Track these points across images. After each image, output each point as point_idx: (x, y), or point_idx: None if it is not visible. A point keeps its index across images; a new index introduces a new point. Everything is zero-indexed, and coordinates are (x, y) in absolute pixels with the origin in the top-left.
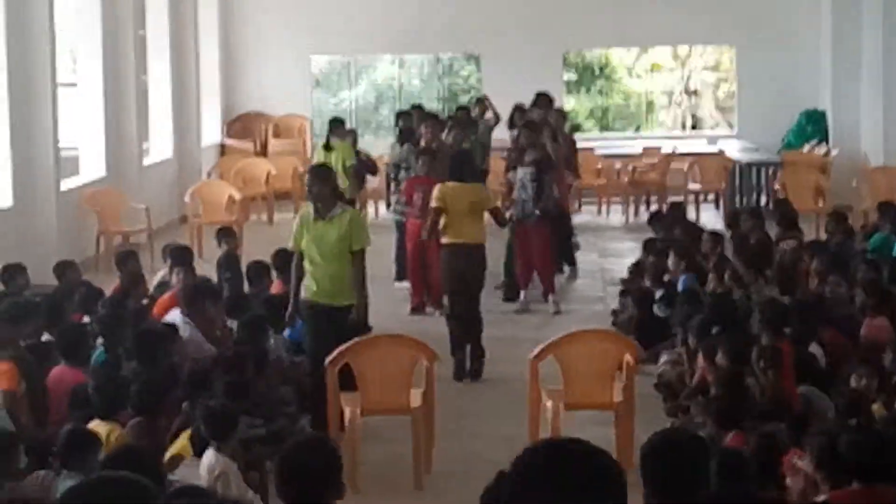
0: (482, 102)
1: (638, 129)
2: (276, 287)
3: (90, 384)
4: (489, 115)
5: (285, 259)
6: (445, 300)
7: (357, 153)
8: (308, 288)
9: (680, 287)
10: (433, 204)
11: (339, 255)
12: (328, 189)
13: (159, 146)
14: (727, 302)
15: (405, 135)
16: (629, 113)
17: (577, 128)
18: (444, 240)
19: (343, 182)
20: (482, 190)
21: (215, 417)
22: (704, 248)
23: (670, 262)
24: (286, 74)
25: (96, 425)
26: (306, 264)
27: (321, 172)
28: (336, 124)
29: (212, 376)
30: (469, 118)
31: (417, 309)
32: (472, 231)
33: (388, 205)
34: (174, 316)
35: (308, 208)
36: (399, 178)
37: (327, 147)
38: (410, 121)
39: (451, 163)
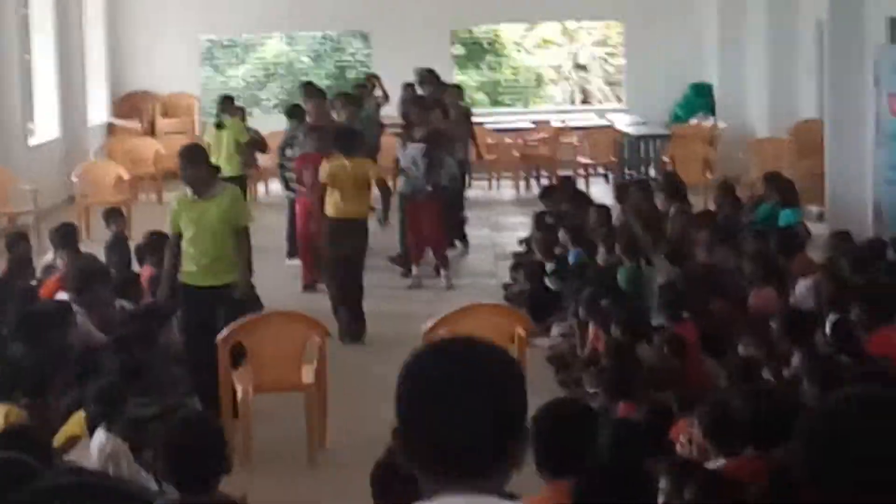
0: (371, 80)
1: (528, 104)
2: (145, 271)
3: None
4: (378, 92)
5: (157, 242)
6: (325, 266)
7: (247, 130)
8: (186, 271)
9: (570, 260)
10: (321, 179)
11: (221, 234)
12: (203, 170)
13: (45, 126)
14: (615, 274)
15: (293, 111)
16: (519, 88)
17: (470, 104)
18: (328, 213)
19: (232, 160)
20: (366, 164)
21: (104, 397)
22: (592, 221)
23: (560, 235)
24: (174, 53)
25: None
26: (185, 245)
27: (191, 154)
28: (227, 102)
29: (103, 357)
30: (357, 96)
31: (309, 286)
32: (356, 206)
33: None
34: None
35: (185, 189)
36: (287, 155)
37: (219, 125)
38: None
39: (337, 137)
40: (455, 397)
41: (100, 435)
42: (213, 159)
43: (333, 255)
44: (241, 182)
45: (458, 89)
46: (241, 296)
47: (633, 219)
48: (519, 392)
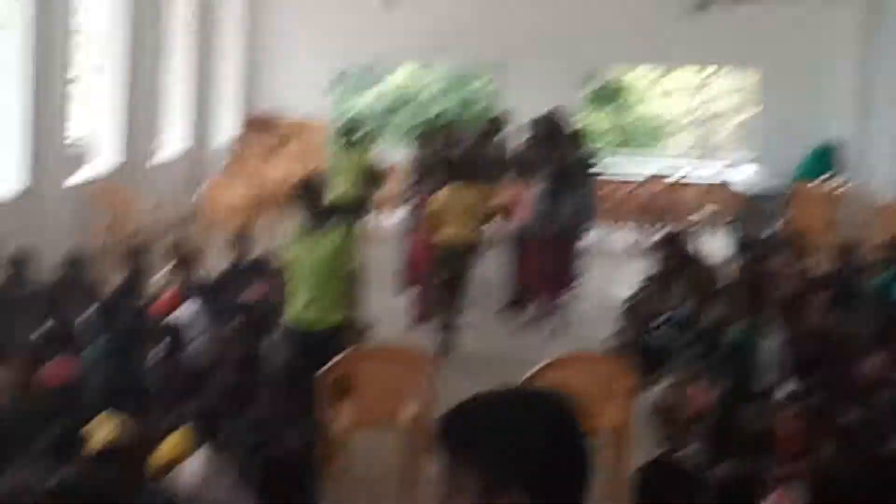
0: (502, 117)
1: (652, 151)
2: (254, 291)
3: (101, 377)
4: (507, 129)
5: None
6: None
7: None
8: (291, 308)
9: (681, 315)
10: (431, 210)
11: (328, 272)
12: (315, 204)
13: (172, 143)
14: (725, 332)
15: (424, 142)
16: (645, 135)
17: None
18: (438, 241)
19: (355, 185)
20: (484, 192)
21: (210, 417)
22: (705, 277)
23: (673, 289)
24: (307, 78)
25: (100, 419)
26: (293, 280)
27: (310, 186)
28: (352, 126)
29: (212, 376)
30: (485, 130)
31: (420, 320)
32: (466, 231)
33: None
34: (185, 310)
35: (300, 221)
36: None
37: (344, 150)
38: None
39: (454, 166)
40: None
41: (202, 454)
42: (338, 183)
43: (442, 280)
44: (361, 205)
45: (580, 134)
46: (347, 339)
47: (750, 276)
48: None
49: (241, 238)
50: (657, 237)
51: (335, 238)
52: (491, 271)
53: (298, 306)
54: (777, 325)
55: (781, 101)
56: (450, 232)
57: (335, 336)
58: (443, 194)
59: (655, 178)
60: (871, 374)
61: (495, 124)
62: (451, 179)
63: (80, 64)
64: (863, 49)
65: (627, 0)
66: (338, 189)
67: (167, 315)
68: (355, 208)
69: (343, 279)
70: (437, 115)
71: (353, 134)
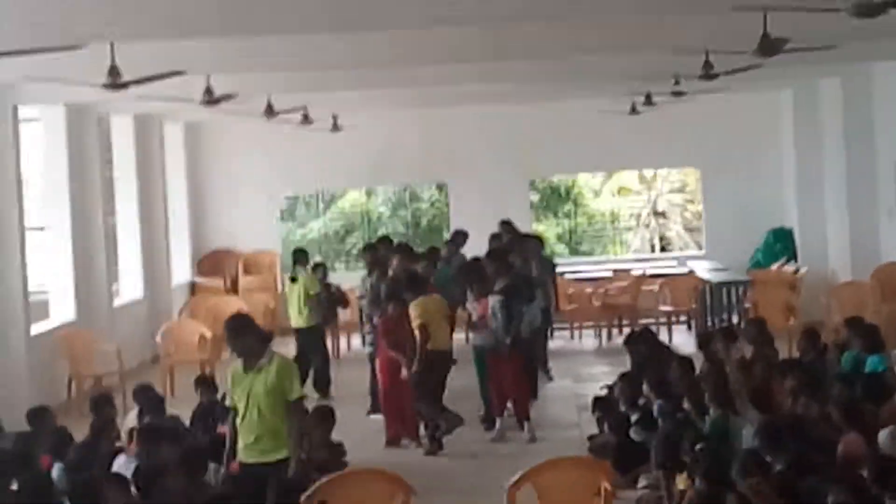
0: (459, 237)
1: (606, 251)
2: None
3: None
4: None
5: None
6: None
7: (328, 286)
8: (240, 447)
9: (655, 412)
10: (417, 320)
11: (268, 408)
12: (250, 340)
13: (129, 286)
14: (700, 423)
15: (372, 265)
16: (597, 235)
17: (551, 255)
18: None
19: (303, 313)
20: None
21: None
22: (675, 372)
23: (644, 387)
24: (254, 210)
25: None
26: (238, 420)
27: (235, 326)
28: (299, 255)
29: None
30: (436, 250)
31: (392, 441)
32: (445, 337)
33: (363, 338)
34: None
35: (237, 362)
36: (366, 310)
37: (293, 279)
38: (375, 252)
39: (408, 283)
40: None
41: None
42: (290, 312)
43: (430, 383)
44: (314, 333)
45: (538, 240)
46: (292, 475)
47: (718, 367)
48: None
49: (204, 380)
50: (629, 334)
51: (270, 372)
52: (459, 384)
53: (243, 443)
54: (750, 413)
55: (723, 196)
56: (439, 337)
57: (277, 474)
58: (421, 304)
59: (616, 276)
60: (849, 453)
61: (454, 245)
62: (414, 295)
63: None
64: (802, 133)
65: (565, 109)
66: (291, 317)
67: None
68: (307, 331)
69: (284, 413)
70: (386, 238)
71: (299, 262)
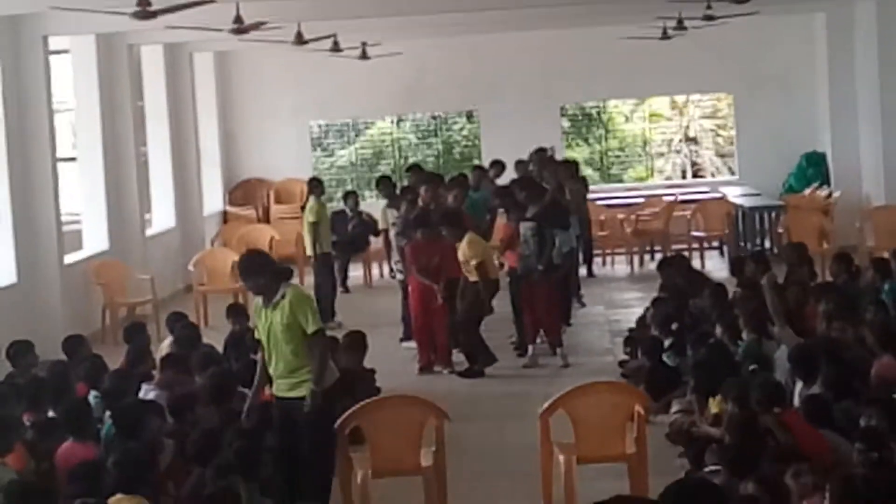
0: (495, 166)
1: (638, 177)
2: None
3: (110, 458)
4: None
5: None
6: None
7: (360, 213)
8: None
9: (690, 335)
10: (474, 259)
11: (288, 343)
12: (263, 278)
13: (162, 216)
14: (734, 347)
15: (403, 194)
16: (628, 161)
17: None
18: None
19: (306, 241)
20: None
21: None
22: (708, 298)
23: (681, 311)
24: (285, 139)
25: (118, 500)
26: (266, 356)
27: (245, 266)
28: (311, 183)
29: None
30: (464, 179)
31: (425, 368)
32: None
33: (390, 268)
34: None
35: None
36: (396, 241)
37: (303, 208)
38: (390, 184)
39: (443, 221)
40: None
41: None
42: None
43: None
44: (322, 261)
45: (573, 164)
46: (311, 409)
47: (751, 292)
48: None
49: (235, 307)
50: (661, 259)
51: (285, 307)
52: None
53: (274, 378)
54: (785, 335)
55: (756, 121)
56: (492, 270)
57: (302, 409)
58: (475, 242)
59: (648, 202)
60: (882, 376)
61: (484, 172)
62: (456, 232)
63: (62, 146)
64: (836, 57)
65: (595, 35)
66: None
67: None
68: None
69: (302, 346)
70: (417, 166)
71: (312, 192)
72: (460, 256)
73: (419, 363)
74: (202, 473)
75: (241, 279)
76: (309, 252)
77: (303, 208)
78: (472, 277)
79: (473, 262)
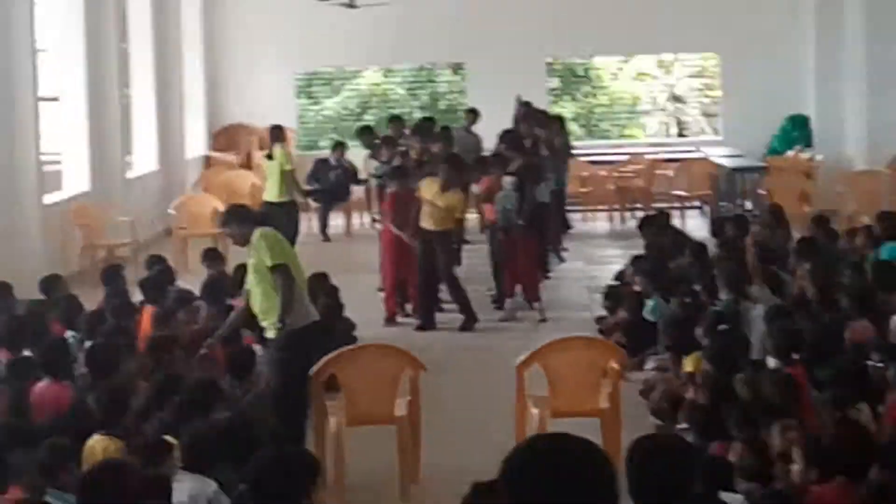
0: (469, 115)
1: (623, 135)
2: (238, 303)
3: (92, 397)
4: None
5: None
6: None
7: (343, 163)
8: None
9: (668, 293)
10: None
11: (258, 285)
12: (239, 229)
13: (144, 159)
14: (712, 306)
15: (383, 144)
16: (614, 117)
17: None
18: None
19: (275, 189)
20: (455, 199)
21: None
22: (687, 258)
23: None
24: (271, 86)
25: (95, 441)
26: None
27: (226, 217)
28: (275, 131)
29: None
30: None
31: (391, 320)
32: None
33: (372, 219)
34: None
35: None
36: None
37: (269, 156)
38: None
39: (449, 164)
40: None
41: (185, 478)
42: (266, 186)
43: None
44: (287, 209)
45: (560, 120)
46: (274, 346)
47: (731, 252)
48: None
49: (210, 252)
50: (643, 217)
51: (251, 251)
52: (470, 264)
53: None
54: (763, 294)
55: (742, 81)
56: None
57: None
58: (424, 186)
59: (631, 159)
60: (856, 338)
61: (468, 119)
62: (425, 175)
63: (45, 85)
64: (823, 19)
65: None
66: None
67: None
68: (280, 206)
69: (273, 289)
70: (399, 117)
71: (276, 137)
72: (440, 203)
73: (386, 314)
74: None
75: (221, 228)
76: (276, 198)
77: (269, 157)
78: (443, 227)
79: (458, 214)
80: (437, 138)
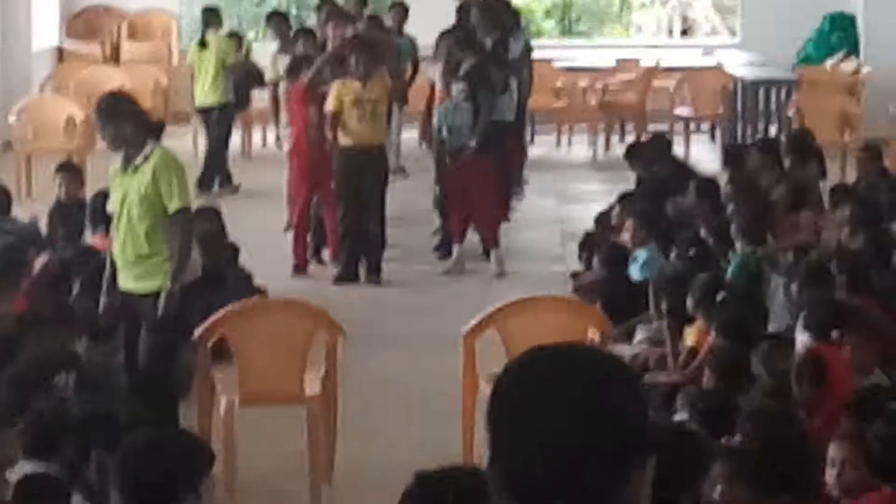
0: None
1: (610, 33)
2: (99, 242)
3: None
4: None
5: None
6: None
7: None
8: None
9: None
10: (329, 108)
11: (141, 220)
12: (125, 127)
13: None
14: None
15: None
16: (599, 12)
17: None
18: (340, 143)
19: (216, 86)
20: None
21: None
22: (691, 197)
23: (657, 210)
24: None
25: None
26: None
27: (107, 107)
28: (210, 15)
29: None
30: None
31: (300, 268)
32: (372, 133)
33: (277, 136)
34: None
35: (118, 158)
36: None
37: (202, 44)
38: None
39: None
40: (549, 421)
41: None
42: (195, 88)
43: (347, 190)
44: (226, 113)
45: (514, 12)
46: (164, 311)
47: (749, 191)
48: (635, 407)
49: (66, 167)
50: (633, 142)
51: (146, 171)
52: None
53: (120, 265)
54: (785, 255)
55: None
56: (355, 133)
57: (151, 309)
58: (337, 91)
59: (621, 66)
60: None
61: (396, 16)
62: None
63: None
64: None
65: None
66: (197, 95)
67: None
68: (219, 109)
69: (160, 227)
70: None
71: (211, 24)
72: (370, 96)
73: (294, 261)
74: None
75: (97, 127)
76: (218, 101)
77: (202, 45)
78: (374, 140)
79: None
80: (367, 28)
